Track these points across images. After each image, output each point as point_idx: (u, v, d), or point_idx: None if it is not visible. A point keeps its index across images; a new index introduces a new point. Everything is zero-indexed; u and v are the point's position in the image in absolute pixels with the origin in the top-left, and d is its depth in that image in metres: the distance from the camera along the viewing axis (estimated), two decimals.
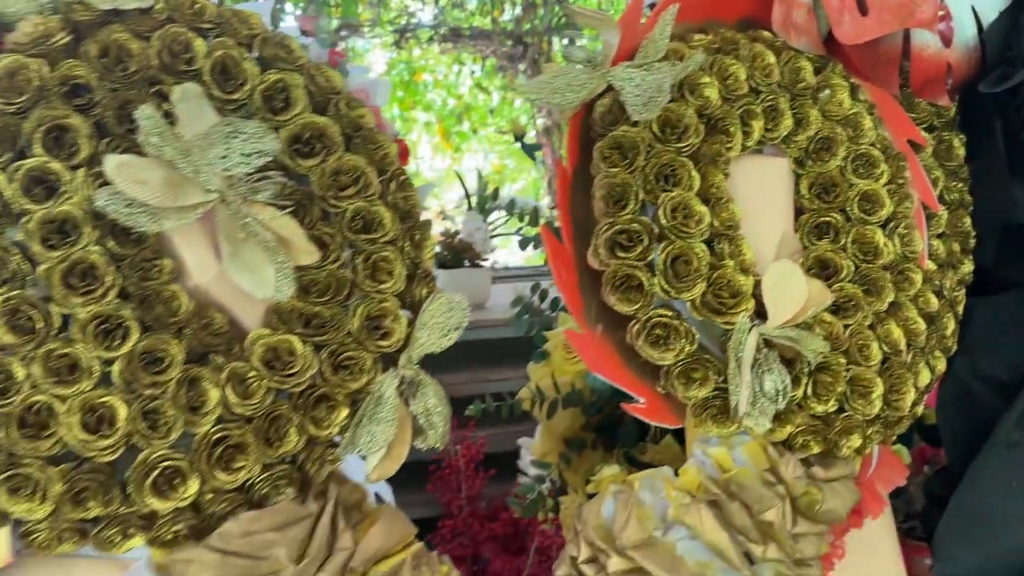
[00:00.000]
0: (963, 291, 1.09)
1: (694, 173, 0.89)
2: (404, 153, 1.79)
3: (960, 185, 1.09)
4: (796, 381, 0.90)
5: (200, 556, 0.79)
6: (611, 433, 1.39)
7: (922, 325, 0.99)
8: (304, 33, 1.66)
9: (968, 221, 1.09)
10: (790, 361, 0.89)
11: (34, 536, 0.74)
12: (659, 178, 0.88)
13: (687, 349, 0.87)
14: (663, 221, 0.86)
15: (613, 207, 0.87)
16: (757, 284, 0.89)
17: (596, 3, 5.44)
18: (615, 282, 0.87)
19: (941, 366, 1.02)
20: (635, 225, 0.86)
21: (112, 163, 0.74)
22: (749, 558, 0.88)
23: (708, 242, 0.89)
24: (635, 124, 0.89)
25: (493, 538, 2.36)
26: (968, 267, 1.09)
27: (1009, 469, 1.12)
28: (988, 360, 1.20)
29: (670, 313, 0.87)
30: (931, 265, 1.03)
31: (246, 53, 0.84)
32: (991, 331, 1.22)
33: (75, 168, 0.76)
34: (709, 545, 0.86)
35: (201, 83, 0.81)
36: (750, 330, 0.84)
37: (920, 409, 1.02)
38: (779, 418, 0.90)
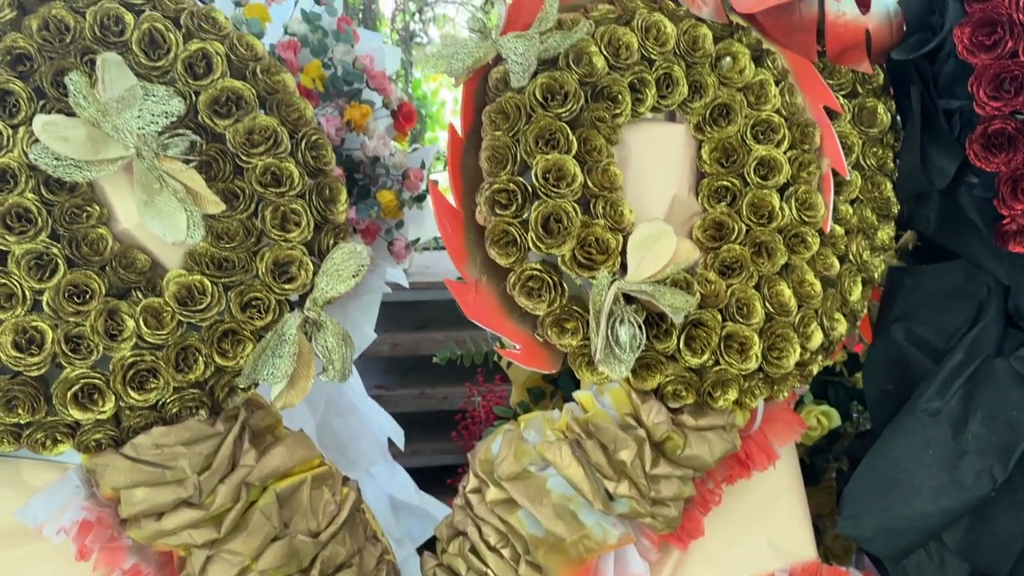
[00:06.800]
0: (881, 257, 1.10)
1: (572, 137, 0.94)
2: (409, 116, 1.87)
3: (881, 151, 1.09)
4: (667, 334, 0.95)
5: (115, 462, 0.92)
6: (569, 384, 1.46)
7: (818, 287, 1.02)
8: (317, 2, 1.76)
9: (888, 187, 1.09)
10: (661, 315, 0.95)
11: None
12: (538, 141, 0.94)
13: (559, 301, 0.94)
14: (535, 182, 0.93)
15: (495, 167, 0.94)
16: None
17: None
18: (494, 237, 0.94)
19: (841, 329, 1.05)
20: (511, 185, 0.93)
21: (39, 122, 0.86)
22: (610, 496, 0.95)
23: (584, 202, 0.95)
24: (521, 90, 0.95)
25: None
26: (886, 233, 1.09)
27: (926, 436, 1.12)
28: (924, 327, 1.21)
29: (542, 267, 0.94)
30: (837, 229, 1.05)
31: (171, 25, 0.95)
32: (932, 299, 1.22)
33: (15, 127, 0.89)
34: (567, 479, 0.93)
35: (130, 53, 0.93)
36: (610, 284, 0.90)
37: (815, 368, 1.05)
38: (649, 368, 0.95)
